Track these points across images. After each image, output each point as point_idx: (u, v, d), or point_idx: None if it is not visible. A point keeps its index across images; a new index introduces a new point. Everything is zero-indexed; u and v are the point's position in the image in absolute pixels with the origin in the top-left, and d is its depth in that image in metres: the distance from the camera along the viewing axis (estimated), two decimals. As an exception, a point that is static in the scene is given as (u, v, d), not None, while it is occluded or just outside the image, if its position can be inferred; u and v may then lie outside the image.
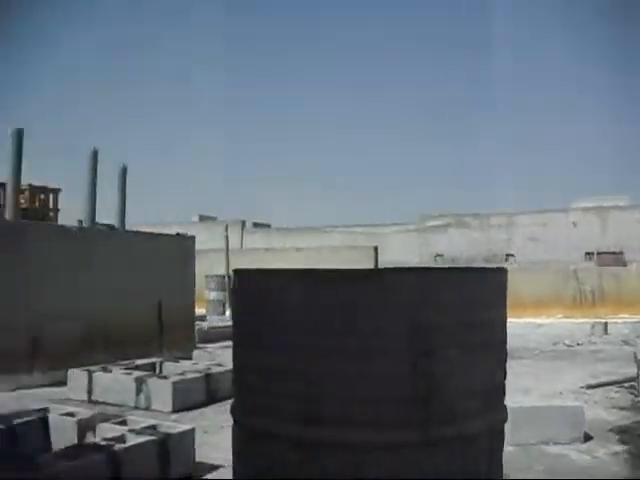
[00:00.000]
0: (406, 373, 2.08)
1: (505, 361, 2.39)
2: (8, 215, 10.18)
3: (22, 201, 20.06)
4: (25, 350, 8.94)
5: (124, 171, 12.26)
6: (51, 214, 28.17)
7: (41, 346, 9.09)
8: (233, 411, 2.42)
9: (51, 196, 28.07)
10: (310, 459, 2.12)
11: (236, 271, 2.40)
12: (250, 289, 2.36)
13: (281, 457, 2.16)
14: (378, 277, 2.29)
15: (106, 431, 4.98)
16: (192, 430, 5.14)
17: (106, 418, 5.36)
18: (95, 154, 11.37)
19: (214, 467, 5.21)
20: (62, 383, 8.66)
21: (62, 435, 5.28)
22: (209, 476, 5.03)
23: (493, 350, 2.30)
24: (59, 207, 28.84)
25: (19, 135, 10.00)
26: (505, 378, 2.40)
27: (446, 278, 2.23)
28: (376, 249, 24.17)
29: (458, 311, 2.16)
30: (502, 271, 2.41)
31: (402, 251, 33.91)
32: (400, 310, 2.09)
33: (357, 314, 2.10)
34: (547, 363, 11.13)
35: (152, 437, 4.73)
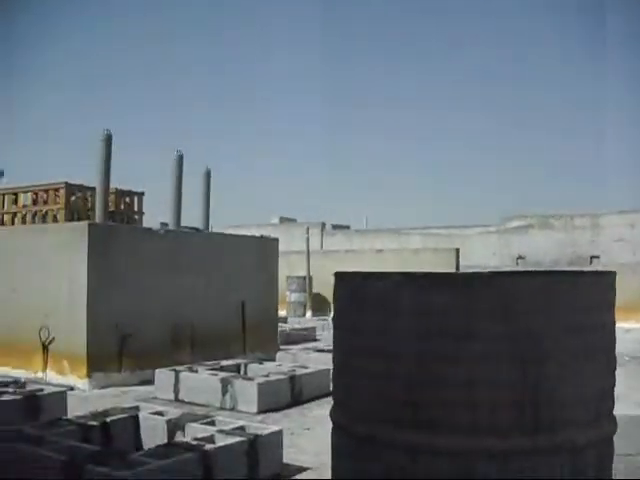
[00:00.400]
0: (517, 379, 2.04)
1: (615, 368, 2.32)
2: (98, 218, 10.47)
3: (109, 204, 20.65)
4: (114, 349, 9.16)
5: (208, 174, 12.44)
6: (136, 217, 28.82)
7: (130, 346, 9.30)
8: (333, 414, 2.41)
9: (136, 199, 28.72)
10: (416, 464, 2.10)
11: (339, 274, 2.39)
12: (354, 292, 2.35)
13: (385, 462, 2.15)
14: (493, 281, 2.24)
15: (195, 431, 5.05)
16: (280, 432, 5.17)
17: (195, 418, 5.45)
18: (180, 158, 11.58)
19: (302, 469, 5.23)
20: (148, 382, 8.84)
21: (152, 434, 5.39)
22: (297, 477, 5.04)
23: (603, 356, 2.24)
24: (143, 210, 29.46)
25: (109, 140, 10.26)
26: (614, 385, 2.33)
27: (558, 282, 2.17)
28: (457, 251, 23.90)
29: (569, 316, 2.11)
30: (611, 274, 2.35)
31: (482, 253, 33.40)
32: (514, 315, 2.05)
33: (471, 319, 2.07)
34: (638, 370, 10.78)
35: (241, 438, 4.78)
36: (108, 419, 5.34)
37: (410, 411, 2.12)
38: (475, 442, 2.10)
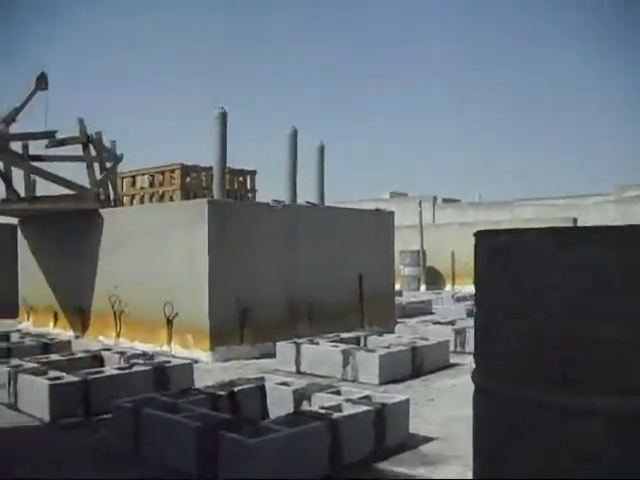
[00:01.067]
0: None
1: None
2: (216, 196, 10.64)
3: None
4: (236, 323, 9.34)
5: (322, 149, 12.44)
6: (249, 195, 29.33)
7: (250, 319, 9.46)
8: (476, 378, 2.35)
9: (248, 178, 29.26)
10: (566, 426, 2.02)
11: (480, 233, 2.31)
12: (498, 250, 2.26)
13: (532, 424, 2.07)
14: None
15: (322, 400, 5.09)
16: (407, 401, 5.15)
17: (321, 388, 5.49)
18: (295, 134, 11.63)
19: (428, 439, 5.18)
20: (269, 355, 8.98)
21: (279, 403, 5.47)
22: (423, 447, 5.00)
23: None
24: (256, 188, 29.97)
25: (224, 118, 10.39)
26: None
27: None
28: (575, 221, 23.15)
29: None
30: None
31: (599, 223, 32.12)
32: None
33: (629, 276, 1.96)
34: None
35: (368, 407, 4.77)
36: (236, 389, 5.45)
37: (560, 372, 2.03)
38: (628, 403, 2.01)
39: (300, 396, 5.34)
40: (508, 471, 2.19)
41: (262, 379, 5.83)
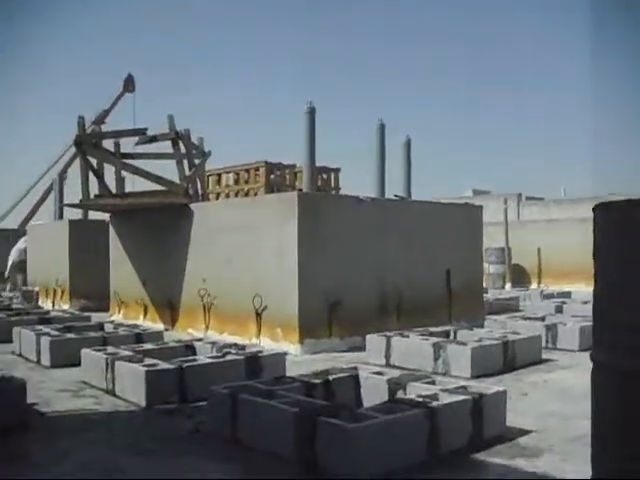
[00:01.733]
0: None
1: None
2: (305, 190, 10.71)
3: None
4: (324, 316, 9.38)
5: (408, 143, 12.40)
6: (333, 192, 29.40)
7: (338, 313, 9.48)
8: (595, 353, 2.29)
9: (332, 175, 29.37)
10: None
11: (601, 205, 2.25)
12: (625, 222, 2.19)
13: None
14: None
15: (417, 390, 5.06)
16: (504, 392, 5.08)
17: (415, 378, 5.46)
18: (382, 127, 11.61)
19: (524, 431, 5.10)
20: (357, 349, 8.99)
21: (373, 392, 5.46)
22: (521, 440, 4.91)
23: None
24: (339, 185, 30.04)
25: (312, 113, 10.45)
26: None
27: None
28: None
29: None
30: None
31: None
32: None
33: None
34: None
35: (466, 396, 4.72)
36: (330, 377, 5.47)
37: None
38: None
39: (395, 385, 5.32)
40: (630, 450, 2.13)
41: (355, 368, 5.84)
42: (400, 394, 5.21)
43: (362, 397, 5.56)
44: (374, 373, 5.70)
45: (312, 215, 9.40)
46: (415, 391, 5.03)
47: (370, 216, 10.19)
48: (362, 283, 9.94)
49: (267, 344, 9.30)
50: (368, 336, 8.44)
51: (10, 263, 19.76)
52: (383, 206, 10.61)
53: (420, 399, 4.63)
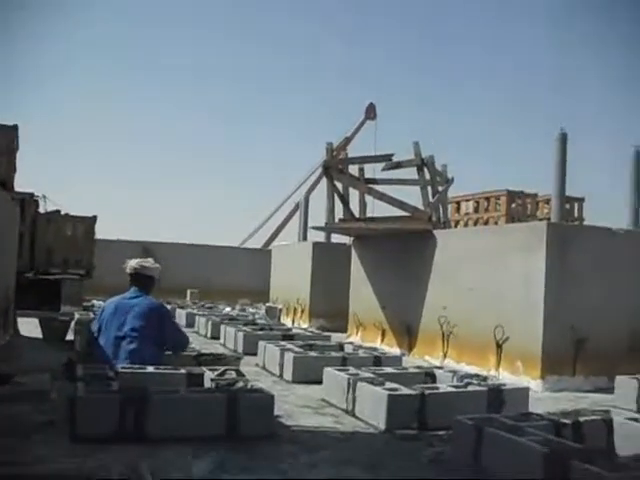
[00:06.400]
0: None
1: None
2: (554, 219, 10.33)
3: (545, 210, 20.34)
4: (569, 353, 8.94)
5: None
6: (576, 224, 28.21)
7: (585, 350, 8.99)
8: None
9: (576, 205, 28.17)
10: None
11: None
12: None
13: None
14: None
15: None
16: None
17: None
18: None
19: None
20: (601, 390, 8.49)
21: (628, 440, 5.08)
22: None
23: None
24: (583, 216, 28.76)
25: (564, 139, 10.07)
26: None
27: None
28: None
29: None
30: None
31: None
32: None
33: None
34: None
35: None
36: (581, 418, 5.17)
37: None
38: None
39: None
40: None
41: (608, 412, 5.47)
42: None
43: (614, 444, 5.19)
44: (630, 419, 5.30)
45: (561, 246, 9.01)
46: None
47: (623, 249, 9.58)
48: (611, 319, 9.33)
49: (506, 377, 9.01)
50: (618, 377, 7.88)
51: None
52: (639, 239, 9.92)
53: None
